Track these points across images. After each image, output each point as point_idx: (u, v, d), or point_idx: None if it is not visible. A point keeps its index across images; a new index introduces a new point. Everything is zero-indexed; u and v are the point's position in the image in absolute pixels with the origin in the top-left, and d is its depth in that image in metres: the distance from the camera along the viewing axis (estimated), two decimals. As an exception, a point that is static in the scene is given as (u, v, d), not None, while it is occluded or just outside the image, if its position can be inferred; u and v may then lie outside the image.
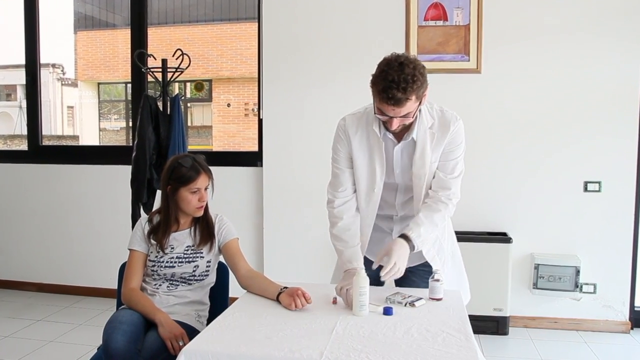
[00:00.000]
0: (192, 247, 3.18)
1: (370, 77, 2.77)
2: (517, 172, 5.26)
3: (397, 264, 2.80)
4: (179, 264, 3.14)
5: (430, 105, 2.97)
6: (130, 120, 6.46)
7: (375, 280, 3.10)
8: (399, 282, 3.20)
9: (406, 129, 2.90)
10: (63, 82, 14.43)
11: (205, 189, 3.18)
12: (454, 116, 2.98)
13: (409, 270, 3.13)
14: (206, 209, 3.23)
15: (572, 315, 5.26)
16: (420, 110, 2.89)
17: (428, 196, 3.00)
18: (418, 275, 3.17)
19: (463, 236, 5.00)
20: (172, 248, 3.17)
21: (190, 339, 2.49)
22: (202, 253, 3.19)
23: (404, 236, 2.90)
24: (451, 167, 2.97)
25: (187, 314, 3.12)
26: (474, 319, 2.88)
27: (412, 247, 2.88)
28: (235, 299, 2.98)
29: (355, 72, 5.24)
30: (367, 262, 3.07)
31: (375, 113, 2.82)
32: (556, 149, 5.18)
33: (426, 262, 3.12)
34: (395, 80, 2.64)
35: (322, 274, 3.74)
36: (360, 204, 3.09)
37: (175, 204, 3.17)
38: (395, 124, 2.77)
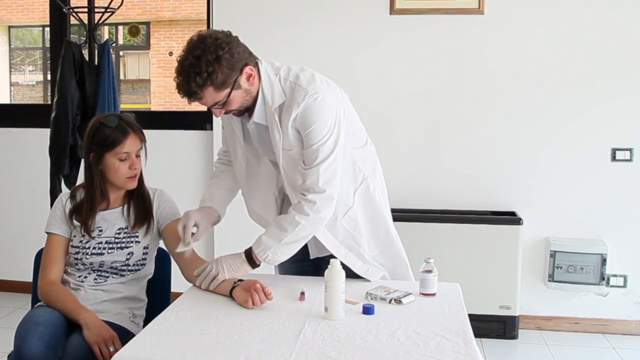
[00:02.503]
0: (125, 230, 3.17)
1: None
2: (529, 138, 5.27)
3: (215, 267, 2.93)
4: (109, 251, 3.13)
5: (284, 80, 2.95)
6: (49, 72, 6.40)
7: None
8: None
9: (250, 110, 2.96)
10: (-36, 25, 14.31)
11: (137, 155, 3.16)
12: (304, 92, 2.87)
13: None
14: (141, 181, 3.22)
15: (597, 314, 5.32)
16: (262, 90, 2.91)
17: None
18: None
19: (462, 216, 5.01)
20: (101, 231, 3.15)
21: (124, 343, 2.50)
22: (137, 237, 3.18)
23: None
24: (310, 156, 2.90)
25: (120, 313, 3.10)
26: (475, 319, 2.91)
27: (251, 257, 2.95)
28: (178, 294, 2.97)
29: (325, 14, 5.14)
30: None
31: None
32: (577, 109, 5.19)
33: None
34: (179, 72, 2.74)
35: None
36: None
37: (102, 175, 3.14)
38: (217, 112, 2.88)
